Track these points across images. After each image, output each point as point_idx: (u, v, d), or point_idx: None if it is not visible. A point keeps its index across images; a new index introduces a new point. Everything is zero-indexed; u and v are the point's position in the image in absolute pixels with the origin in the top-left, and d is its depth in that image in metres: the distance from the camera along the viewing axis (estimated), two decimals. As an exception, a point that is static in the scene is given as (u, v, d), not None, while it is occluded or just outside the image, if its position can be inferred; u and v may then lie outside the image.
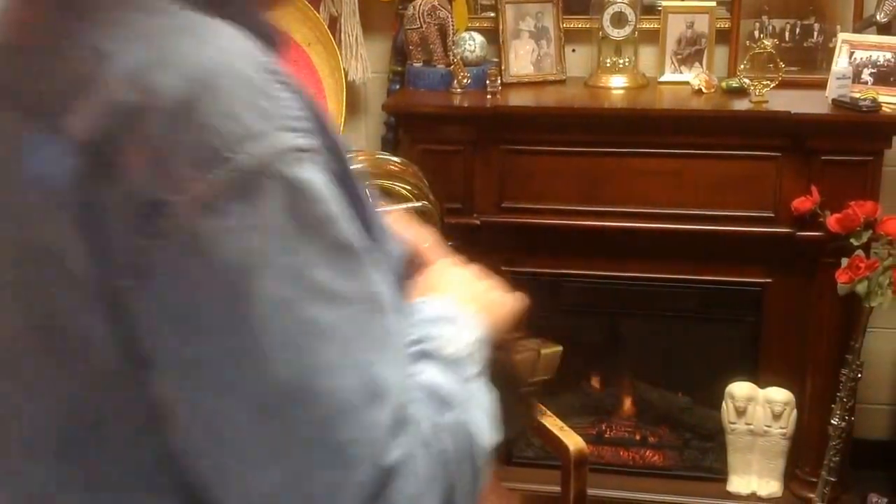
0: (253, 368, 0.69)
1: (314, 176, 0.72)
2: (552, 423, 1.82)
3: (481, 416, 0.84)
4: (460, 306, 0.93)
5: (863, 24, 2.62)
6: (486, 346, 0.92)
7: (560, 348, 1.28)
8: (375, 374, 0.72)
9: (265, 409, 0.69)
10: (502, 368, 1.13)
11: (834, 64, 2.56)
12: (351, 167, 0.81)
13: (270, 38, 0.81)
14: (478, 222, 2.62)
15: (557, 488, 1.81)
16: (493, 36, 2.81)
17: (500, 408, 0.98)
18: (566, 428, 1.80)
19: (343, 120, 2.79)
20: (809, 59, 2.71)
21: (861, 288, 2.38)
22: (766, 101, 2.50)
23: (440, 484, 0.76)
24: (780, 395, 2.66)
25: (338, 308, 0.71)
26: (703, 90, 2.62)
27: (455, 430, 0.80)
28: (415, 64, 2.76)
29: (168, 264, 0.68)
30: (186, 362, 0.70)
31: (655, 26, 2.74)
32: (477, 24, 2.83)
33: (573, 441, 1.76)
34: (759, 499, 2.70)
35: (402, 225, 1.08)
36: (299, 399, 0.69)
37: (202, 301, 0.68)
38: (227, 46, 0.72)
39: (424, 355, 0.84)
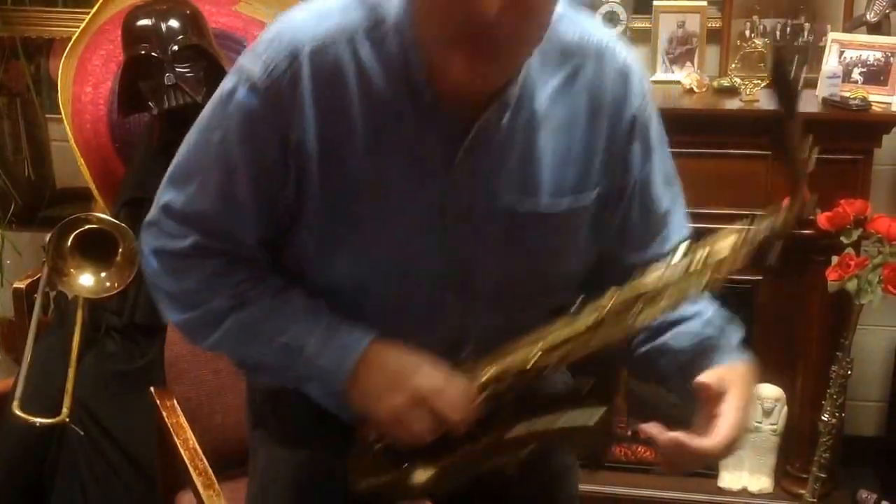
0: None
1: (244, 100, 1.16)
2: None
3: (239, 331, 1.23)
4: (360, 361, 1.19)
5: (853, 23, 2.63)
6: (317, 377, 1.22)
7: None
8: (207, 199, 1.21)
9: None
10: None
11: (824, 63, 2.58)
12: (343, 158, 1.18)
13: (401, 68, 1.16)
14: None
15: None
16: (487, 35, 2.82)
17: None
18: (557, 424, 1.81)
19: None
20: (800, 59, 2.73)
21: (851, 285, 2.40)
22: (757, 101, 2.52)
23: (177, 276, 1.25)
24: (770, 391, 2.67)
25: (198, 153, 1.23)
26: (695, 89, 2.64)
27: (221, 291, 1.22)
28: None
29: None
30: None
31: (647, 25, 2.76)
32: (470, 24, 2.85)
33: (564, 437, 1.77)
34: (750, 495, 2.72)
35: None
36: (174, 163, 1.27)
37: None
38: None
39: (295, 301, 1.23)
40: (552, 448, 1.24)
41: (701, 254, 1.19)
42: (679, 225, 1.35)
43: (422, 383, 1.17)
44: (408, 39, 1.14)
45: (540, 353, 1.18)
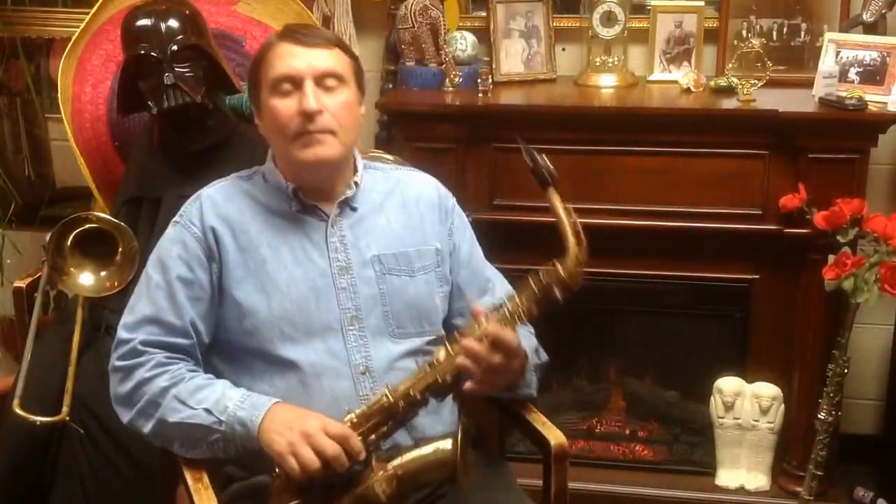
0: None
1: (172, 231, 1.77)
2: (535, 418, 1.83)
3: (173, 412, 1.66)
4: (262, 410, 1.62)
5: (849, 23, 2.64)
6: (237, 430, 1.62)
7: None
8: (149, 303, 1.74)
9: None
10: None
11: (821, 63, 2.59)
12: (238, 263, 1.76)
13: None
14: (470, 219, 2.63)
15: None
16: (484, 35, 2.83)
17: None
18: (548, 423, 1.81)
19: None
20: (797, 59, 2.74)
21: (848, 284, 2.40)
22: (754, 100, 2.53)
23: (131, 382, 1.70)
24: (767, 389, 2.69)
25: (148, 279, 1.76)
26: (692, 89, 2.65)
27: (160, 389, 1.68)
28: (407, 63, 2.78)
29: None
30: None
31: (645, 25, 2.77)
32: (468, 24, 2.86)
33: (554, 436, 1.77)
34: (747, 492, 2.73)
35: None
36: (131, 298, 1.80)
37: None
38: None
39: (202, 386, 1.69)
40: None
41: (510, 305, 1.65)
42: (503, 287, 1.90)
43: (309, 424, 1.56)
44: (274, 173, 1.78)
45: (399, 392, 1.61)
